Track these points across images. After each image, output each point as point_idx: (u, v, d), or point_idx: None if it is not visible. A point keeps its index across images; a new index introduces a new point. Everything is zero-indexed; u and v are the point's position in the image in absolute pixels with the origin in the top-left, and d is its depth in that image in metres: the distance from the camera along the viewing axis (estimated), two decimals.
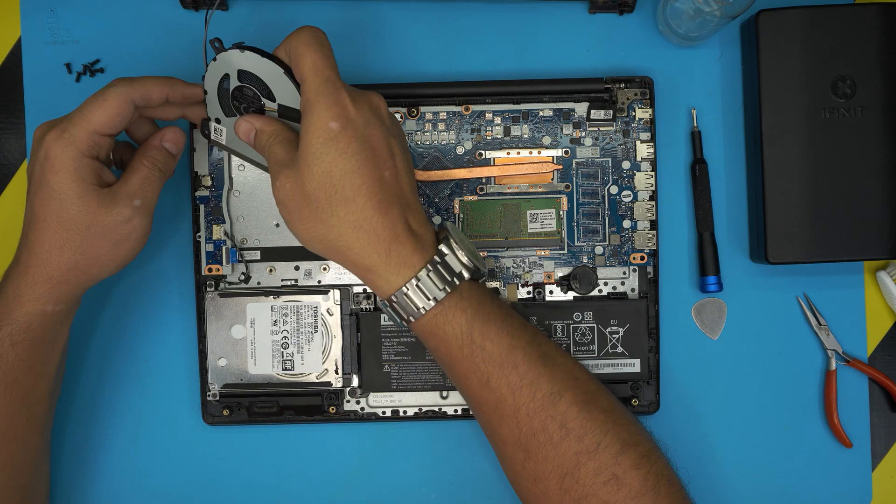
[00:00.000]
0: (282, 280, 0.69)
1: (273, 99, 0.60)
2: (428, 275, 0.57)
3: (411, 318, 0.58)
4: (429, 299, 0.57)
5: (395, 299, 0.57)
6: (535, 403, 0.57)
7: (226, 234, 0.68)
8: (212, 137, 0.64)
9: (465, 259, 0.58)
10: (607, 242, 0.69)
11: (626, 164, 0.69)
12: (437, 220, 0.69)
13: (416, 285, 0.57)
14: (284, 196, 0.57)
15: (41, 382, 0.62)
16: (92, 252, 0.60)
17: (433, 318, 0.58)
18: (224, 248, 0.69)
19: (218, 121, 0.63)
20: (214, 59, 0.60)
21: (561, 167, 0.69)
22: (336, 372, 0.69)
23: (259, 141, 0.60)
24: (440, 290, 0.57)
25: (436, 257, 0.57)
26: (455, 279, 0.57)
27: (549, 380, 0.58)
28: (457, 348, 0.58)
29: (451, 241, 0.58)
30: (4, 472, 0.61)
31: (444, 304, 0.57)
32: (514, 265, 0.69)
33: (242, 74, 0.60)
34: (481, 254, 0.61)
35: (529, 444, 0.58)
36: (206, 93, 0.62)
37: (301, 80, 0.57)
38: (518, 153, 0.69)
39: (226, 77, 0.61)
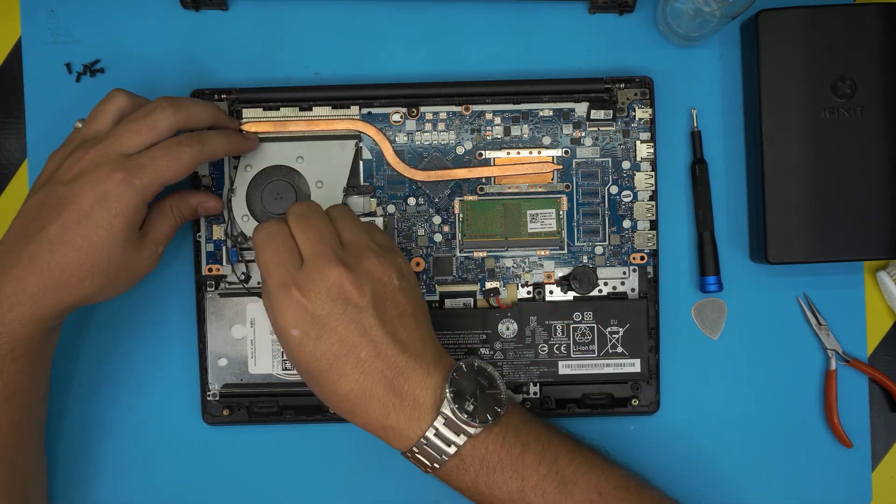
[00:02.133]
0: None
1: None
2: (423, 447, 0.57)
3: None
4: (428, 464, 0.58)
5: (408, 455, 0.58)
6: None
7: (226, 234, 0.68)
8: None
9: (468, 427, 0.57)
10: (607, 242, 0.69)
11: (626, 164, 0.69)
12: (436, 220, 0.69)
13: (416, 453, 0.58)
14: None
15: (39, 388, 0.62)
16: (108, 286, 0.60)
17: (441, 474, 0.59)
18: (224, 248, 0.69)
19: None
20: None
21: (561, 167, 0.69)
22: None
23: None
24: (437, 457, 0.58)
25: (435, 424, 0.57)
26: (452, 444, 0.57)
27: None
28: (469, 496, 0.60)
29: (450, 407, 0.57)
30: (7, 479, 0.61)
31: (444, 468, 0.58)
32: (514, 265, 0.69)
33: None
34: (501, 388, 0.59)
35: None
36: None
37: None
38: (518, 153, 0.69)
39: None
